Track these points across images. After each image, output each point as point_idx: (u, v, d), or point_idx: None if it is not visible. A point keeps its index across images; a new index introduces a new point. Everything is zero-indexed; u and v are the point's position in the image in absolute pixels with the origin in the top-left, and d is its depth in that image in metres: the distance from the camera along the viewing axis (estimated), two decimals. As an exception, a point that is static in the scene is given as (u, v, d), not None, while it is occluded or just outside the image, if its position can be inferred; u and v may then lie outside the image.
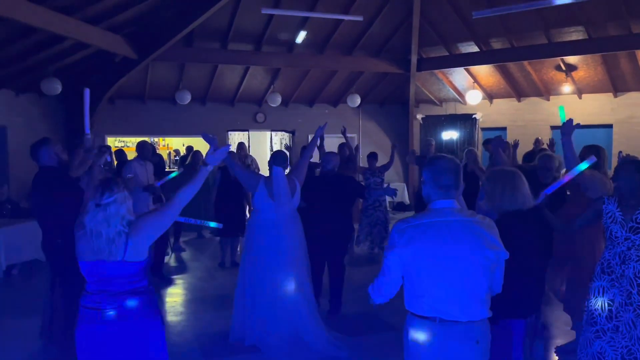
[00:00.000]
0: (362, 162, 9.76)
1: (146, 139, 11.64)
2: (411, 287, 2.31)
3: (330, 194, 5.11)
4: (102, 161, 3.68)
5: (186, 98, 10.69)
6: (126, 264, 2.48)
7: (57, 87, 8.64)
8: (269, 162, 4.62)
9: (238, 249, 7.41)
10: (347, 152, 7.88)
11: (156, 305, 2.66)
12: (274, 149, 13.32)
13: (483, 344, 2.30)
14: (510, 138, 10.25)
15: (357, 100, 11.87)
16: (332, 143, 8.75)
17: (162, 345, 2.63)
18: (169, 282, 6.54)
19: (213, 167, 2.73)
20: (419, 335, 2.29)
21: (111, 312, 2.49)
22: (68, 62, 8.77)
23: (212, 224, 3.92)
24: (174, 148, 15.01)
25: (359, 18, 9.58)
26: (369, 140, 12.81)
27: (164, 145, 14.76)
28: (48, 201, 3.84)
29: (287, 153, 5.00)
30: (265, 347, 4.25)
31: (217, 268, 7.24)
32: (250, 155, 10.10)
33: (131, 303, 2.52)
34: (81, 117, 4.43)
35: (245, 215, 7.73)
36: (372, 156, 7.93)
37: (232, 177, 7.11)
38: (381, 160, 8.16)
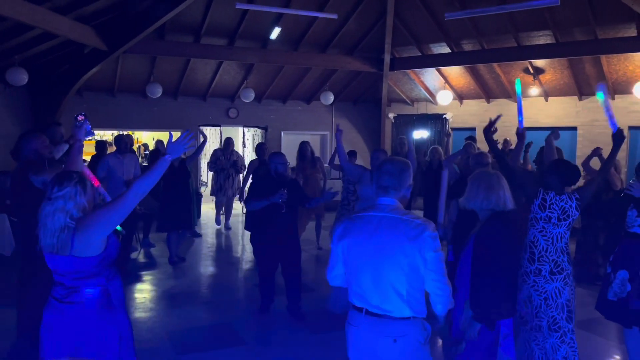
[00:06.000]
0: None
1: (115, 132, 11.57)
2: (347, 277, 2.49)
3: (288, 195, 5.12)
4: (82, 134, 3.36)
5: (157, 92, 10.51)
6: (76, 259, 2.45)
7: (23, 78, 8.34)
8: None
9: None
10: (309, 150, 7.91)
11: (115, 305, 2.60)
12: (246, 145, 13.25)
13: (401, 343, 2.28)
14: (479, 138, 10.45)
15: (331, 97, 11.91)
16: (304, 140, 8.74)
17: (112, 344, 2.57)
18: (135, 278, 6.44)
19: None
20: (351, 324, 2.44)
21: (65, 306, 2.49)
22: (35, 52, 8.50)
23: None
24: (143, 142, 14.78)
25: (334, 16, 9.60)
26: (342, 138, 12.82)
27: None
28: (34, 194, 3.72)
29: None
30: None
31: (188, 264, 7.16)
32: (236, 152, 9.96)
33: (82, 300, 2.49)
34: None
35: (192, 210, 7.52)
36: (351, 154, 8.00)
37: (176, 170, 6.80)
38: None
